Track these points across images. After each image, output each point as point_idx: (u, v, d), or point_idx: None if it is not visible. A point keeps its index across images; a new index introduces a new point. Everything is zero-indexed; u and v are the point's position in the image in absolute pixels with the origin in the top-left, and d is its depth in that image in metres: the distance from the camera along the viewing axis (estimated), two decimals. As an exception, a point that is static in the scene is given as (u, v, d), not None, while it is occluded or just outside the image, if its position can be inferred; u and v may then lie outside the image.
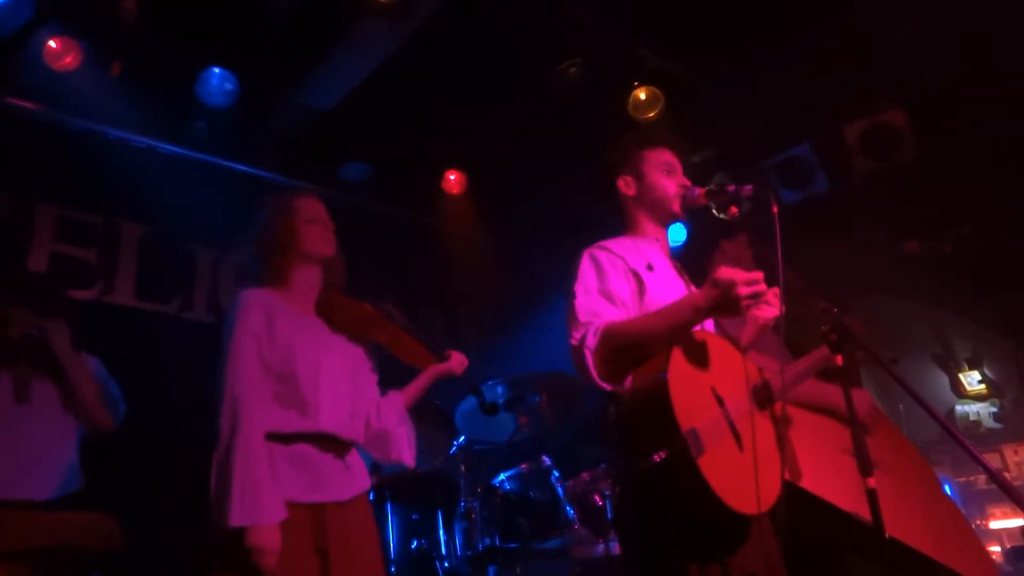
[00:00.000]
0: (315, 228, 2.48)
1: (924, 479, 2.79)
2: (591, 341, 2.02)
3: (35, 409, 3.08)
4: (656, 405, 1.86)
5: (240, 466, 2.06)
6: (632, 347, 2.00)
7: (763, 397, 2.12)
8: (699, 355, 2.02)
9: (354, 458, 2.42)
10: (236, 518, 2.01)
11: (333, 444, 2.32)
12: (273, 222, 2.48)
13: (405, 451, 2.49)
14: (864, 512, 2.34)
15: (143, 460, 3.79)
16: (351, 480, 2.35)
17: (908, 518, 2.37)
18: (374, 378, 2.58)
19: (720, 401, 1.97)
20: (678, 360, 1.92)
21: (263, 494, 2.05)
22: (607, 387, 2.03)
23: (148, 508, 3.51)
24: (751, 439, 1.99)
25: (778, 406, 2.15)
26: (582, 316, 2.10)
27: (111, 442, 3.25)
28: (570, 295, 2.21)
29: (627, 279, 2.20)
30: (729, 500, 1.82)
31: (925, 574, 2.45)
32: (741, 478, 1.91)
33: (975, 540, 2.75)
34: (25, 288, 3.27)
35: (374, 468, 3.74)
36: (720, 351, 2.13)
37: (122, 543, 3.13)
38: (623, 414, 2.04)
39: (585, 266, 2.26)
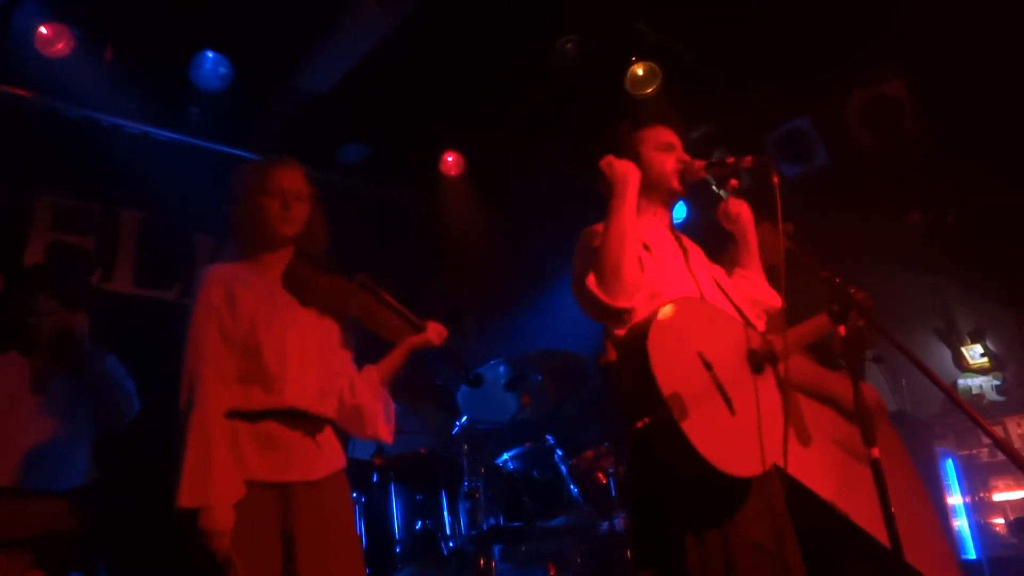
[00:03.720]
0: (274, 204, 2.33)
1: (910, 484, 2.79)
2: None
3: (51, 400, 3.08)
4: (639, 372, 1.88)
5: (191, 445, 2.03)
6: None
7: (760, 361, 2.11)
8: (685, 322, 2.03)
9: (327, 437, 2.33)
10: (185, 498, 1.98)
11: (302, 421, 2.25)
12: (236, 195, 2.40)
13: (381, 425, 2.40)
14: (842, 505, 2.34)
15: (143, 446, 3.79)
16: (322, 459, 2.27)
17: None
18: (348, 354, 2.47)
19: (708, 365, 1.98)
20: (659, 328, 1.94)
21: (213, 474, 2.02)
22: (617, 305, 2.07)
23: (150, 497, 3.51)
24: (748, 402, 1.99)
25: (781, 369, 2.13)
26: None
27: (116, 430, 3.26)
28: (573, 275, 2.22)
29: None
30: (718, 462, 1.82)
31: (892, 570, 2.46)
32: (733, 441, 1.91)
33: (946, 545, 2.75)
34: (51, 278, 3.26)
35: (377, 449, 3.74)
36: (712, 318, 2.13)
37: (126, 532, 3.14)
38: (615, 383, 2.07)
39: (583, 244, 2.27)
